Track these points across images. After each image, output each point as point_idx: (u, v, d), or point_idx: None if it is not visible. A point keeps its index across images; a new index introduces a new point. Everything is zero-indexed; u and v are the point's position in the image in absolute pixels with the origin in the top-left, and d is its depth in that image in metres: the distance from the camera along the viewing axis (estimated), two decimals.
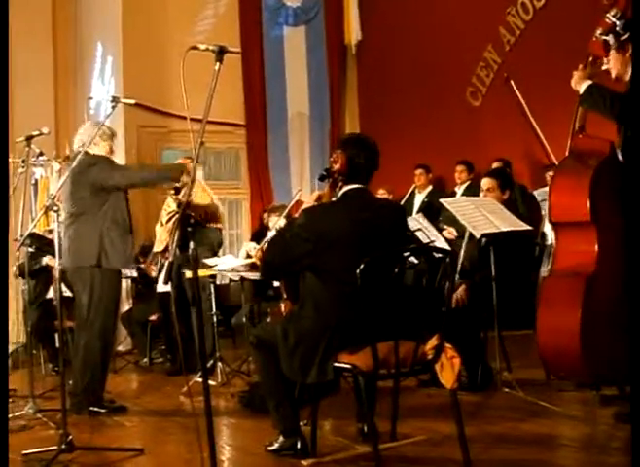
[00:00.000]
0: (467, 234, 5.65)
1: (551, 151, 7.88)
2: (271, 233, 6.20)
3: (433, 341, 3.55)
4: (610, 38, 4.24)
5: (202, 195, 7.07)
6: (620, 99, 4.18)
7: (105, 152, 5.57)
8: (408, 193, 9.38)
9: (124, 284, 8.32)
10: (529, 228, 5.57)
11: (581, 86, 4.34)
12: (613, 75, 4.34)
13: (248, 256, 7.22)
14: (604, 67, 4.39)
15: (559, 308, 4.26)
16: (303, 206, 4.03)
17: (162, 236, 7.23)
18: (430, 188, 9.34)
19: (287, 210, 6.92)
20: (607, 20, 4.22)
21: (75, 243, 5.35)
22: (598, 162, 4.32)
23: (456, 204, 5.66)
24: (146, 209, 9.59)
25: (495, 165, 8.40)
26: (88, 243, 5.33)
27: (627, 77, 4.26)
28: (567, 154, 4.51)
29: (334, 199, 3.92)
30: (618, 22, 4.17)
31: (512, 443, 4.17)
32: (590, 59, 4.40)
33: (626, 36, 4.19)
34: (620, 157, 4.32)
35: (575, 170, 4.40)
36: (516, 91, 7.28)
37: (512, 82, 7.22)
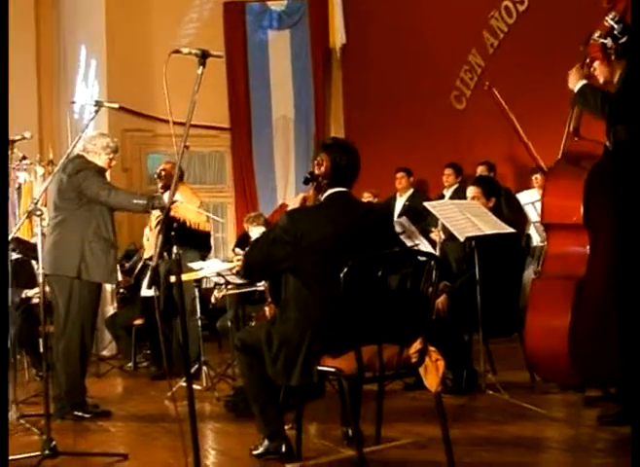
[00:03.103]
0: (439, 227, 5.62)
1: (537, 154, 7.87)
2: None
3: (417, 345, 3.55)
4: (608, 41, 4.23)
5: (191, 198, 7.05)
6: (610, 100, 4.18)
7: (103, 163, 5.52)
8: (390, 197, 9.36)
9: (109, 288, 8.28)
10: (513, 231, 5.57)
11: (576, 85, 4.32)
12: (601, 80, 4.35)
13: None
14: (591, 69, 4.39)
15: (549, 310, 4.25)
16: (288, 208, 4.03)
17: (151, 241, 7.19)
18: (411, 191, 9.31)
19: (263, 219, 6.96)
20: (605, 24, 4.20)
21: (56, 250, 5.25)
22: (592, 165, 4.29)
23: (440, 208, 5.67)
24: (130, 213, 9.51)
25: (480, 169, 8.42)
26: (69, 252, 5.23)
27: (615, 79, 4.27)
28: (560, 156, 4.47)
29: (318, 203, 3.92)
30: (616, 26, 4.16)
31: (496, 445, 4.17)
32: (587, 61, 4.36)
33: (624, 39, 4.18)
34: None
35: (569, 172, 4.37)
36: (500, 99, 7.27)
37: (494, 90, 7.22)
